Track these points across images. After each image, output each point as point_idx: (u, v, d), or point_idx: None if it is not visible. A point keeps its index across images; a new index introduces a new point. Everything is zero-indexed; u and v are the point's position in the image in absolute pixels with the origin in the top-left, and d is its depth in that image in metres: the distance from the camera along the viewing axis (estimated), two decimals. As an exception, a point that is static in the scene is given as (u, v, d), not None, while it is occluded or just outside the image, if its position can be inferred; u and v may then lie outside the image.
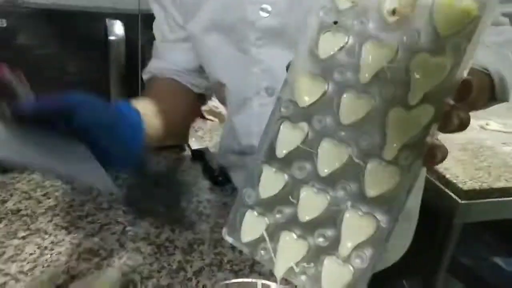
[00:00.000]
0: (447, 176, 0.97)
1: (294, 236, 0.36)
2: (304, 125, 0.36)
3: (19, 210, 0.71)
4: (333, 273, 0.33)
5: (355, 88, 0.34)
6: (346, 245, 0.33)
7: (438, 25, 0.30)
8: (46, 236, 0.65)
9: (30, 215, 0.70)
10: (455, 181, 0.95)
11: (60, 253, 0.62)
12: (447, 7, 0.30)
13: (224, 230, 0.40)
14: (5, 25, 0.76)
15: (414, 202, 0.79)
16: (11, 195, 0.75)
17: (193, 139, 1.03)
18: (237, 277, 0.62)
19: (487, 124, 1.31)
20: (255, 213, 0.38)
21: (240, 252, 0.67)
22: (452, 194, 0.94)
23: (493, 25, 0.56)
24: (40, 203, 0.74)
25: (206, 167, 0.91)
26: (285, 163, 0.37)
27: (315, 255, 0.35)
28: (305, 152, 0.36)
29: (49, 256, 0.61)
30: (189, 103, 0.73)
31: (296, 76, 0.36)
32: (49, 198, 0.75)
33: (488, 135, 1.26)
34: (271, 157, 0.37)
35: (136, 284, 0.58)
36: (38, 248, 0.63)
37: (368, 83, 0.33)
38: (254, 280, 0.49)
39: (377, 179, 0.33)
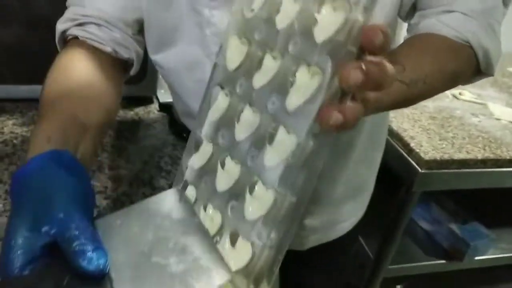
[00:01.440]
0: (412, 144, 0.98)
1: (212, 208, 0.34)
2: (230, 90, 0.34)
3: (-26, 157, 0.70)
4: (237, 249, 0.32)
5: (271, 48, 0.31)
6: (247, 219, 0.31)
7: None
8: (1, 185, 0.65)
9: (-14, 162, 0.69)
10: (418, 150, 0.96)
11: (13, 202, 0.62)
12: None
13: None
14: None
15: (369, 177, 0.79)
16: (-33, 140, 0.73)
17: (162, 91, 1.00)
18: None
19: (460, 94, 1.32)
20: (191, 184, 0.37)
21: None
22: (413, 163, 0.96)
23: None
24: (-3, 150, 0.73)
25: (172, 121, 0.90)
26: (215, 132, 0.35)
27: (227, 229, 0.33)
28: (229, 120, 0.34)
29: (1, 205, 0.61)
30: (112, 89, 0.57)
31: (226, 39, 0.34)
32: (6, 146, 0.74)
33: (460, 105, 1.27)
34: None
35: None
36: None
37: (280, 40, 0.31)
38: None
39: (278, 147, 0.30)
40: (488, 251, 1.29)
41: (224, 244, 0.33)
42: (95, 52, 0.56)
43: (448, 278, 1.35)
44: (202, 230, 0.34)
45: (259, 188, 0.31)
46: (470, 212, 1.31)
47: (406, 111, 1.14)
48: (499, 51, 0.54)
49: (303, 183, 0.29)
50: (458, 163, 0.97)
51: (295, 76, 0.29)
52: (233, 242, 0.32)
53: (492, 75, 0.55)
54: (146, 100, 0.96)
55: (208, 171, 0.36)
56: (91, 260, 0.31)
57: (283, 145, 0.29)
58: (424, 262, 1.23)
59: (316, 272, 0.86)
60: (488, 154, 1.00)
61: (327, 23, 0.27)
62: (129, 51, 0.59)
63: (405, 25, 0.60)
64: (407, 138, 1.00)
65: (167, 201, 0.37)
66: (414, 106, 1.19)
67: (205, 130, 0.36)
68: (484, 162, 1.00)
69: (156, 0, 0.56)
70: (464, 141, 1.04)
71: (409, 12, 0.56)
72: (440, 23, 0.51)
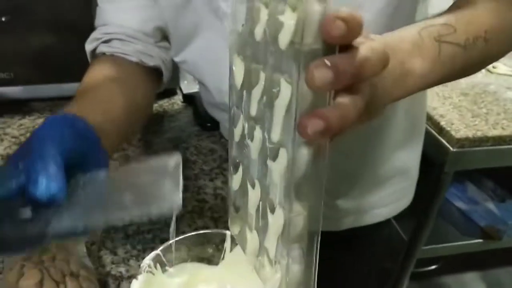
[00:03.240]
0: (442, 123, 0.95)
1: (248, 230, 0.35)
2: (242, 109, 0.33)
3: (8, 155, 0.73)
4: (273, 269, 0.32)
5: (257, 61, 0.30)
6: (270, 240, 0.31)
7: None
8: (34, 182, 0.67)
9: (19, 160, 0.72)
10: (448, 128, 0.93)
11: (46, 198, 0.64)
12: None
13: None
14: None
15: (412, 160, 0.76)
16: (2, 140, 0.76)
17: (185, 82, 1.01)
18: (216, 225, 0.64)
19: (494, 67, 1.26)
20: (237, 207, 0.37)
21: (222, 199, 0.69)
22: (445, 142, 0.93)
23: None
24: (29, 148, 0.75)
25: (196, 112, 0.90)
26: (240, 152, 0.35)
27: (264, 249, 0.33)
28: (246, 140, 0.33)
29: (35, 201, 0.64)
30: (140, 95, 0.58)
31: (231, 58, 0.33)
32: (38, 143, 0.77)
33: (494, 79, 1.21)
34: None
35: (116, 229, 0.60)
36: None
37: (261, 51, 0.29)
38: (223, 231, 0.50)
39: (278, 163, 0.29)
40: (528, 229, 1.24)
41: (264, 265, 0.33)
42: (122, 62, 0.58)
43: (485, 257, 1.32)
44: None
45: (277, 206, 0.30)
46: (508, 190, 1.26)
47: (435, 88, 1.10)
48: None
49: (310, 194, 0.28)
50: (492, 140, 0.93)
51: (279, 88, 0.27)
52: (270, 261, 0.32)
53: None
54: (169, 92, 0.97)
55: (243, 192, 0.35)
56: (41, 187, 0.30)
57: (281, 160, 0.28)
58: (460, 242, 1.20)
59: (349, 255, 0.86)
60: (526, 129, 0.96)
61: (287, 25, 0.25)
62: (154, 59, 0.60)
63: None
64: (437, 117, 0.97)
65: None
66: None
67: (233, 151, 0.36)
68: (521, 138, 0.96)
69: (173, 4, 0.57)
70: (499, 117, 1.00)
71: None
72: None
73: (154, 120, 0.88)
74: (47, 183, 0.30)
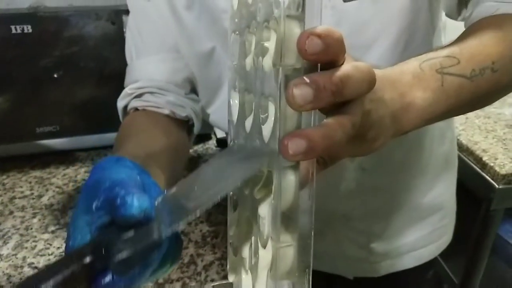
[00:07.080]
0: (484, 158, 0.90)
1: (244, 271, 0.33)
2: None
3: (52, 205, 0.77)
4: None
5: (250, 92, 0.30)
6: (260, 280, 0.30)
7: None
8: (74, 230, 0.70)
9: (61, 209, 0.76)
10: (492, 164, 0.88)
11: (83, 247, 0.67)
12: None
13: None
14: (30, 31, 0.80)
15: (446, 196, 0.73)
16: (47, 190, 0.81)
17: (220, 126, 1.03)
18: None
19: (542, 96, 1.19)
20: (231, 249, 0.35)
21: (252, 245, 0.68)
22: (489, 178, 0.88)
23: None
24: (71, 197, 0.79)
25: (230, 156, 0.92)
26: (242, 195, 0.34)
27: None
28: None
29: (73, 250, 0.66)
30: (176, 140, 0.59)
31: (228, 93, 0.33)
32: (79, 193, 0.80)
33: (543, 108, 1.14)
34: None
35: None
36: (65, 242, 0.68)
37: (251, 80, 0.29)
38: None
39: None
40: None
41: None
42: (154, 115, 0.60)
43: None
44: None
45: (268, 240, 0.28)
46: None
47: (477, 121, 1.05)
48: None
49: (299, 224, 0.27)
50: (542, 175, 0.87)
51: (267, 113, 0.27)
52: None
53: None
54: (204, 137, 1.00)
55: (239, 231, 0.34)
56: (131, 205, 0.29)
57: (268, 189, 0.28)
58: (519, 286, 1.10)
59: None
60: None
61: (270, 49, 0.25)
62: (186, 109, 0.62)
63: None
64: (479, 152, 0.92)
65: None
66: (487, 114, 1.09)
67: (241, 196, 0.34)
68: None
69: (197, 56, 0.59)
70: (548, 149, 0.93)
71: (458, 7, 0.51)
72: (497, 3, 0.45)
73: (188, 165, 0.90)
74: (138, 200, 0.29)
